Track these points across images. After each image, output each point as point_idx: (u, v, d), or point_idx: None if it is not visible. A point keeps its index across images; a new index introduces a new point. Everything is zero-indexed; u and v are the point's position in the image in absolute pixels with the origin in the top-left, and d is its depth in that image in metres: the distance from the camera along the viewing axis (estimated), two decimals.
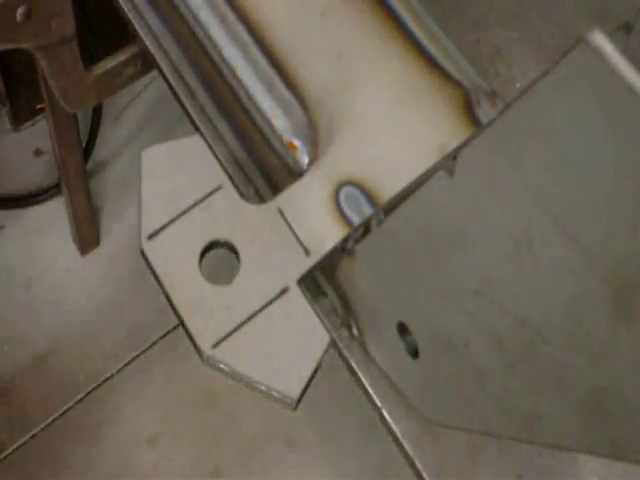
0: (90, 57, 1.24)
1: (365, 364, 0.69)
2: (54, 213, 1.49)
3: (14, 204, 1.50)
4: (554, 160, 0.42)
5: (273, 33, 0.72)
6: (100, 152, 1.52)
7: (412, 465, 0.70)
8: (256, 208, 0.67)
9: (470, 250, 0.52)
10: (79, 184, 1.33)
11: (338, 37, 0.72)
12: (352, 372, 0.70)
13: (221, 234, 0.66)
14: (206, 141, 0.71)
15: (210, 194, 0.67)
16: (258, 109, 0.71)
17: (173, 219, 0.67)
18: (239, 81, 0.72)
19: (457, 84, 0.70)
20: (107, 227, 1.52)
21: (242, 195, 0.68)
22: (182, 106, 0.75)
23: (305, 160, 0.68)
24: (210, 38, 0.73)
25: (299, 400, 0.64)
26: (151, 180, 0.68)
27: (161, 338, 1.46)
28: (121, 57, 1.00)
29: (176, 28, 0.76)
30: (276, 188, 0.69)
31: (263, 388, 0.63)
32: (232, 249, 0.66)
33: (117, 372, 1.43)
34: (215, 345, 0.64)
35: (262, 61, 0.72)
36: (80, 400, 1.41)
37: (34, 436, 1.38)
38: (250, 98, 0.71)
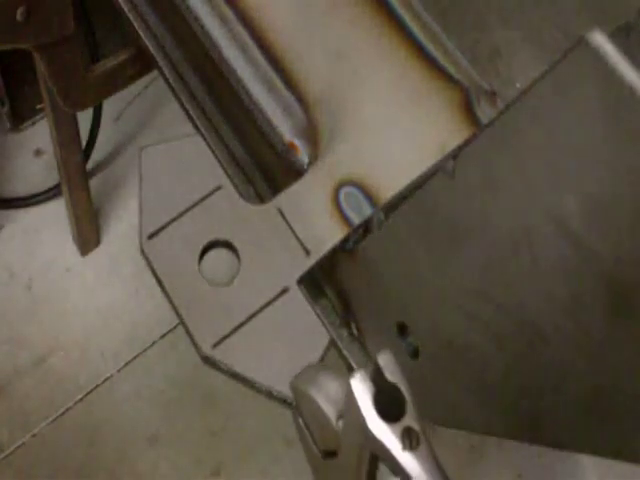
0: (90, 57, 1.24)
1: (365, 364, 0.69)
2: (54, 213, 1.49)
3: (14, 204, 1.50)
4: (554, 160, 0.42)
5: (273, 33, 0.72)
6: (100, 152, 1.52)
7: None
8: (256, 208, 0.67)
9: (470, 250, 0.52)
10: (79, 184, 1.33)
11: (338, 37, 0.72)
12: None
13: (221, 234, 0.66)
14: (206, 141, 0.71)
15: (210, 194, 0.67)
16: (258, 109, 0.71)
17: (173, 219, 0.67)
18: (239, 81, 0.72)
19: (457, 84, 0.70)
20: (107, 227, 1.52)
21: (242, 195, 0.68)
22: (182, 106, 0.75)
23: (305, 160, 0.68)
24: (210, 38, 0.73)
25: None
26: (151, 180, 0.68)
27: (161, 338, 1.46)
28: (121, 57, 1.00)
29: (176, 28, 0.76)
30: (276, 188, 0.69)
31: (263, 388, 0.63)
32: (232, 249, 0.66)
33: (117, 372, 1.43)
34: (215, 345, 0.64)
35: (262, 61, 0.72)
36: (80, 400, 1.41)
37: (34, 436, 1.38)
38: (250, 98, 0.71)
